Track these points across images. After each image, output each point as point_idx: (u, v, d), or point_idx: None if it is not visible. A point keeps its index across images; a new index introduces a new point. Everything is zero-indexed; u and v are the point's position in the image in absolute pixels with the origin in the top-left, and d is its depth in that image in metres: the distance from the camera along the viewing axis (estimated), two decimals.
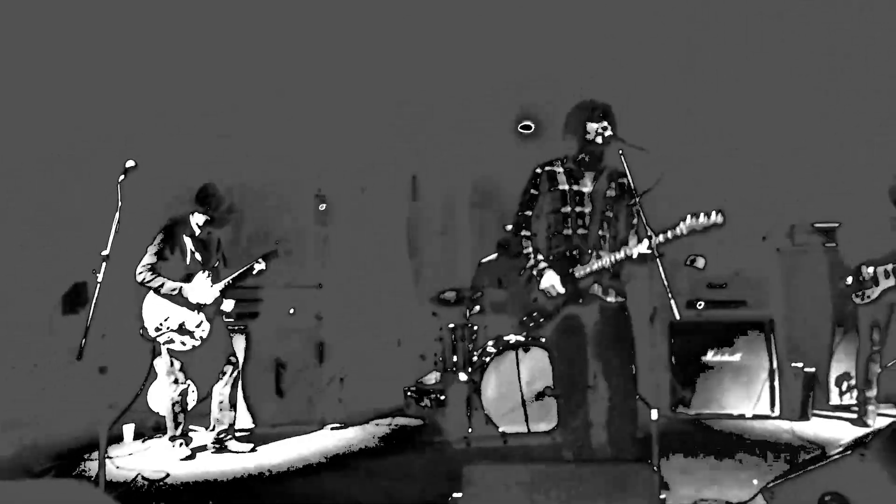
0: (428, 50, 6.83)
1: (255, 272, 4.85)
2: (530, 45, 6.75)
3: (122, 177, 3.84)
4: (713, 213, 3.19)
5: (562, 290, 3.49)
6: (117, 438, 5.15)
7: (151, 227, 4.81)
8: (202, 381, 4.99)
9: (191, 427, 4.99)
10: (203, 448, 4.90)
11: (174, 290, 4.63)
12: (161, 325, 4.64)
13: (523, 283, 3.62)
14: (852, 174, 6.06)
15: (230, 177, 5.85)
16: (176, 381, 4.75)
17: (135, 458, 4.71)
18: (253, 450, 4.88)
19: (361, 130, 6.82)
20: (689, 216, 3.26)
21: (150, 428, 5.38)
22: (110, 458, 4.63)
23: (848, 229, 5.46)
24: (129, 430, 5.24)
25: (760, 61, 6.84)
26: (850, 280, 5.20)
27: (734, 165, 6.79)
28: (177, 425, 4.76)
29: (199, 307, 4.72)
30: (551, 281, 3.50)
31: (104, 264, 3.58)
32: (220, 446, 4.85)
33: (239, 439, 4.95)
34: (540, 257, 3.58)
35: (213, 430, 4.89)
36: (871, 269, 5.08)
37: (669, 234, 3.29)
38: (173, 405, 4.76)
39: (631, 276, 3.78)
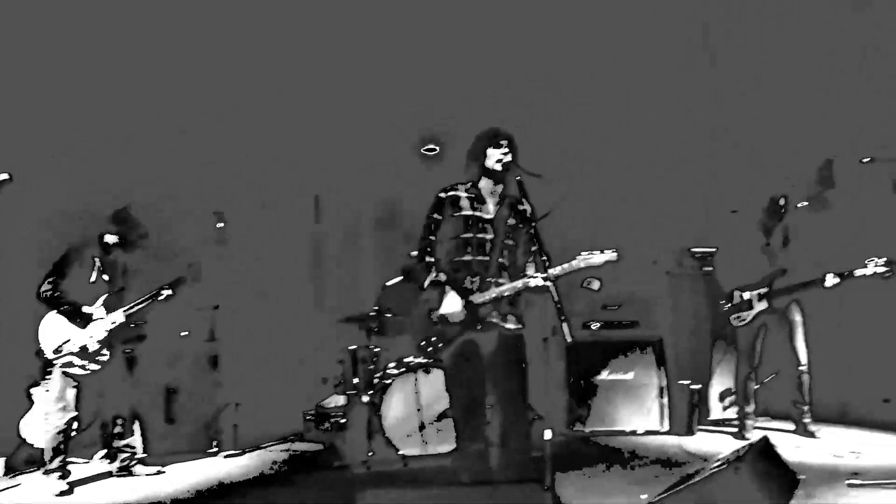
0: (332, 69, 6.80)
1: (161, 298, 4.77)
2: (433, 67, 6.86)
3: None
4: (608, 250, 3.43)
5: (462, 317, 3.53)
6: None
7: (29, 244, 4.54)
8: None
9: (70, 459, 4.68)
10: (82, 482, 4.61)
11: (79, 311, 4.50)
12: (62, 346, 4.47)
13: (424, 307, 3.62)
14: (735, 202, 6.48)
15: (120, 192, 5.59)
16: (64, 409, 4.50)
17: (5, 496, 4.35)
18: (160, 472, 4.79)
19: (263, 148, 6.67)
20: (584, 252, 3.44)
21: (23, 461, 5.00)
22: None
23: (728, 254, 5.82)
24: None
25: (649, 92, 7.23)
26: (727, 303, 5.55)
27: (628, 191, 7.12)
28: (56, 457, 4.47)
29: (103, 329, 4.60)
30: (454, 306, 3.53)
31: None
32: (126, 472, 4.75)
33: (144, 463, 4.83)
34: (443, 277, 3.60)
35: (114, 458, 4.79)
36: (744, 294, 5.45)
37: (566, 268, 3.45)
38: (58, 434, 4.48)
39: (529, 302, 3.87)
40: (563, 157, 6.66)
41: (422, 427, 4.88)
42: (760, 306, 5.39)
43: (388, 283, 5.93)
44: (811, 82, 6.66)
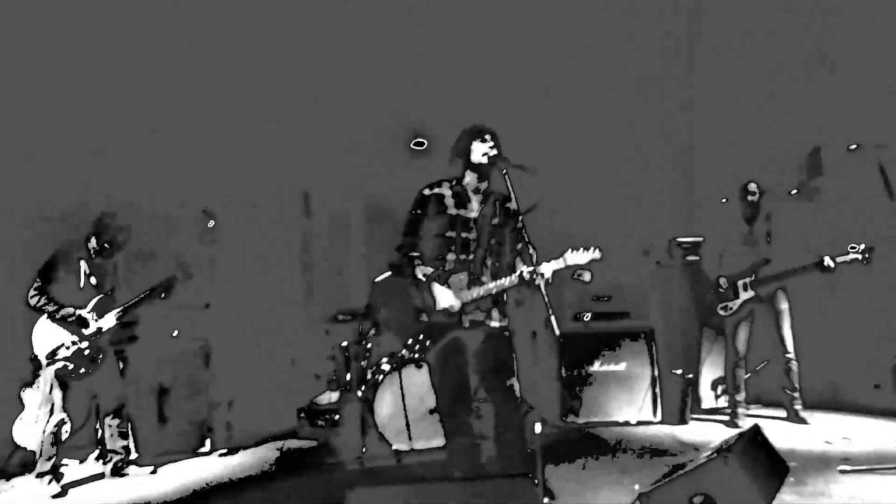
0: (321, 64, 6.77)
1: (163, 297, 4.81)
2: (422, 61, 6.84)
3: None
4: (592, 248, 3.44)
5: (457, 306, 3.52)
6: None
7: (10, 246, 4.51)
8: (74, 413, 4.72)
9: (63, 461, 4.67)
10: (75, 484, 4.60)
11: (70, 315, 4.49)
12: (56, 350, 4.49)
13: (409, 306, 3.61)
14: (726, 191, 6.47)
15: (109, 193, 5.55)
16: (52, 412, 4.50)
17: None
18: (153, 472, 4.82)
19: (251, 144, 6.63)
20: (570, 250, 3.45)
21: (16, 465, 4.99)
22: None
23: (719, 243, 5.80)
24: None
25: (637, 81, 7.22)
26: (713, 293, 5.58)
27: (619, 181, 7.12)
28: (48, 459, 4.47)
29: (96, 332, 4.60)
30: (450, 300, 3.52)
31: None
32: (118, 474, 4.76)
33: (137, 463, 4.86)
34: (429, 271, 3.58)
35: (107, 460, 4.81)
36: (724, 282, 5.47)
37: (553, 266, 3.44)
38: (48, 436, 4.49)
39: (523, 298, 3.86)
40: (552, 148, 6.65)
41: (408, 424, 4.87)
42: (746, 295, 5.41)
43: (378, 279, 5.92)
44: (799, 69, 6.66)
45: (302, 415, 5.95)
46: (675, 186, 7.42)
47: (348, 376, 5.57)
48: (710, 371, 6.13)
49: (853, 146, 4.18)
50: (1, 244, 5.58)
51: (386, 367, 5.08)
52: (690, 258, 6.27)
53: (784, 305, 5.44)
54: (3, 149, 5.55)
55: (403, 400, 4.90)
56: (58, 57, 5.82)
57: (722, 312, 5.51)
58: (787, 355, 5.42)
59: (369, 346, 5.55)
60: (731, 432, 4.94)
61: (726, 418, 5.67)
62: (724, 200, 6.24)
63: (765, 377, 5.98)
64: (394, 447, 4.83)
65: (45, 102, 5.83)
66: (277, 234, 6.82)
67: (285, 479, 4.68)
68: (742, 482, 3.01)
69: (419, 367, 5.00)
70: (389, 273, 5.89)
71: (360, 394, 5.13)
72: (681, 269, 6.34)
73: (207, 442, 5.44)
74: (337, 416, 5.55)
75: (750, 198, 5.49)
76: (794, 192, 5.95)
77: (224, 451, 5.38)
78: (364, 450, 4.83)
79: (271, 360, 6.51)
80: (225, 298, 6.10)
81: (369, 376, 5.22)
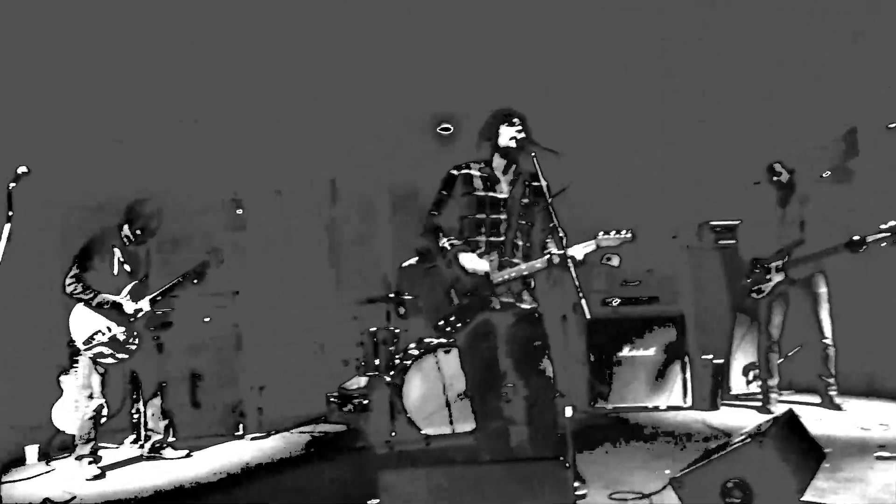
0: (345, 50, 6.77)
1: (195, 282, 4.88)
2: (448, 47, 6.79)
3: (12, 184, 3.61)
4: (624, 230, 3.42)
5: (485, 268, 3.50)
6: (19, 460, 4.89)
7: (47, 236, 4.60)
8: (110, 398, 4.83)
9: (101, 445, 4.78)
10: (113, 466, 4.71)
11: (106, 302, 4.57)
12: (93, 337, 4.57)
13: (439, 287, 3.60)
14: (757, 174, 6.35)
15: (137, 182, 5.64)
16: (90, 397, 4.60)
17: (39, 481, 4.46)
18: (188, 455, 4.91)
19: (278, 133, 6.68)
20: (601, 232, 3.43)
21: (56, 448, 5.12)
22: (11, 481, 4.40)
23: (752, 226, 5.72)
24: (31, 450, 4.97)
25: (666, 63, 7.09)
26: (747, 276, 5.49)
27: (647, 165, 7.02)
28: (87, 443, 4.58)
29: (131, 318, 4.68)
30: (472, 261, 3.49)
31: None
32: (155, 455, 4.87)
33: (172, 446, 4.94)
34: (456, 242, 3.56)
35: (143, 441, 4.94)
36: (764, 265, 5.38)
37: (584, 248, 3.43)
38: (87, 420, 4.59)
39: (556, 280, 3.83)
40: (580, 131, 6.58)
41: (447, 405, 4.90)
42: (778, 278, 5.32)
43: (405, 264, 5.94)
44: (832, 47, 6.48)
45: (331, 400, 6.01)
46: (706, 170, 7.30)
47: (377, 361, 5.60)
48: (742, 356, 6.05)
49: (892, 125, 4.05)
50: (37, 234, 5.70)
51: (414, 352, 5.10)
52: (724, 242, 6.17)
53: (822, 289, 5.32)
54: (39, 140, 5.65)
55: (443, 383, 4.93)
56: (92, 51, 5.90)
57: (754, 296, 5.43)
58: (825, 340, 5.31)
59: (397, 331, 5.59)
60: (764, 418, 4.87)
61: (758, 404, 5.60)
62: (756, 183, 6.13)
63: (797, 362, 5.88)
64: (422, 431, 4.86)
65: (78, 95, 5.92)
66: (305, 221, 6.87)
67: (316, 462, 4.74)
68: (777, 466, 2.97)
69: (447, 351, 5.02)
70: (416, 259, 5.91)
71: (388, 379, 5.16)
72: (712, 253, 6.25)
73: (240, 426, 5.52)
74: (366, 401, 5.60)
75: (776, 178, 5.39)
76: (826, 174, 5.80)
77: (257, 434, 5.45)
78: (393, 434, 4.87)
79: (301, 345, 6.58)
80: (255, 285, 6.17)
81: (397, 361, 5.24)
